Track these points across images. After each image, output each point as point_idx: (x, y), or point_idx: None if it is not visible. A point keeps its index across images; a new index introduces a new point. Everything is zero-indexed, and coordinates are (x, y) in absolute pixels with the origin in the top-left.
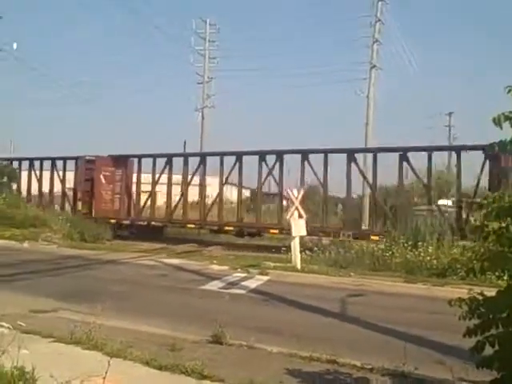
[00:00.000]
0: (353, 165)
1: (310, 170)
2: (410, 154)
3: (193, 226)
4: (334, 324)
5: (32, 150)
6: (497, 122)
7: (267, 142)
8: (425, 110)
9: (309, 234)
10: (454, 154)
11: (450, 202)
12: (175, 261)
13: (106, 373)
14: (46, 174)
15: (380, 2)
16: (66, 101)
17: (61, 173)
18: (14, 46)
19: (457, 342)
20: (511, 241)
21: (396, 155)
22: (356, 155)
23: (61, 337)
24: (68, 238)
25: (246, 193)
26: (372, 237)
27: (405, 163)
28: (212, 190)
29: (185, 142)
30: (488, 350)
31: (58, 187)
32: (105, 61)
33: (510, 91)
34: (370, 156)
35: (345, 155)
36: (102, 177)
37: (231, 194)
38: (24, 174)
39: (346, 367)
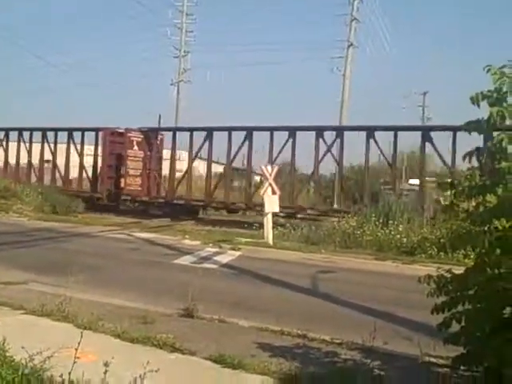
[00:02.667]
0: (321, 143)
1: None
2: (385, 134)
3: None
4: (304, 299)
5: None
6: (475, 100)
7: (244, 118)
8: (402, 89)
9: (281, 210)
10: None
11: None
12: (147, 235)
13: (79, 344)
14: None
15: None
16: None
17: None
18: None
19: (425, 318)
20: (481, 219)
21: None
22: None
23: (32, 309)
24: (39, 211)
25: (221, 169)
26: (343, 215)
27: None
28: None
29: (160, 117)
30: (455, 327)
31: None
32: (79, 32)
33: (488, 70)
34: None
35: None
36: (132, 151)
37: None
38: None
39: (315, 342)
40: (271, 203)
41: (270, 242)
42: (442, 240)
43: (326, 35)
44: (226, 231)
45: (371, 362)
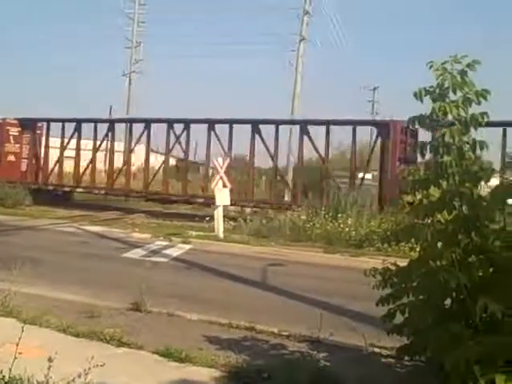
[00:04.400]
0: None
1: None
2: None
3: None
4: (253, 292)
5: None
6: (418, 96)
7: (195, 110)
8: (354, 84)
9: (232, 203)
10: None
11: (369, 176)
12: (96, 228)
13: (19, 339)
14: None
15: None
16: None
17: None
18: None
19: (371, 310)
20: (424, 212)
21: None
22: (282, 127)
23: None
24: None
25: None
26: (294, 208)
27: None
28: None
29: (111, 108)
30: (399, 318)
31: None
32: (26, 17)
33: (431, 67)
34: (295, 128)
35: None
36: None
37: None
38: None
39: (263, 334)
40: (222, 196)
41: (221, 235)
42: (388, 233)
43: (279, 28)
44: (177, 224)
45: (318, 353)
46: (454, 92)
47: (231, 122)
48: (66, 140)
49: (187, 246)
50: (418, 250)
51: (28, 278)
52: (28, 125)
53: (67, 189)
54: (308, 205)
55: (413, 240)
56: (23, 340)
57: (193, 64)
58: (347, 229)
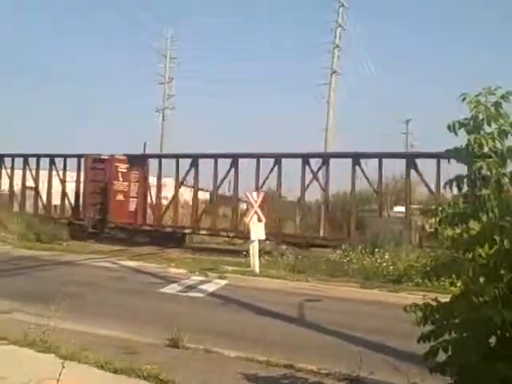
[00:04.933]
0: (307, 169)
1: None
2: (369, 161)
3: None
4: (291, 329)
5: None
6: (452, 129)
7: (227, 145)
8: (386, 116)
9: (267, 238)
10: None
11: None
12: (133, 263)
13: (60, 375)
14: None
15: (341, 8)
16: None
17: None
18: None
19: (411, 347)
20: (465, 247)
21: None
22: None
23: (14, 339)
24: (24, 239)
25: (206, 196)
26: (329, 243)
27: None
28: (168, 192)
29: (145, 144)
30: (441, 356)
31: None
32: (64, 57)
33: (464, 99)
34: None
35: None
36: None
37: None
38: None
39: (302, 372)
40: (257, 231)
41: (257, 270)
42: (427, 268)
43: (309, 63)
44: (213, 259)
45: None
46: (489, 124)
47: (279, 157)
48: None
49: (223, 282)
50: (459, 285)
51: (65, 313)
52: (136, 161)
53: (187, 230)
54: (344, 239)
55: (453, 275)
56: (63, 376)
57: (223, 99)
58: (385, 263)
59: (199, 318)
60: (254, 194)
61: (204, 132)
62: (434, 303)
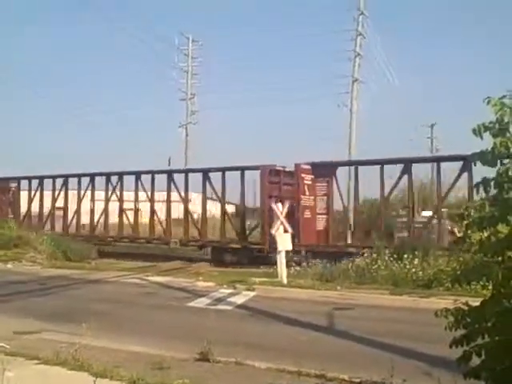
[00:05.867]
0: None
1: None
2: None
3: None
4: (321, 338)
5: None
6: (477, 132)
7: (252, 157)
8: (408, 122)
9: (294, 248)
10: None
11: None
12: (161, 278)
13: None
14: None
15: (361, 16)
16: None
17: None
18: None
19: (444, 353)
20: (494, 250)
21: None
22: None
23: (46, 358)
24: (52, 258)
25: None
26: (357, 250)
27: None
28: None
29: (169, 159)
30: (475, 360)
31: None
32: (87, 76)
33: (488, 102)
34: (352, 169)
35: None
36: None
37: (212, 209)
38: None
39: (334, 381)
40: (284, 241)
41: (285, 280)
42: (458, 273)
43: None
44: (239, 271)
45: None
46: None
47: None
48: None
49: (251, 293)
50: (490, 288)
51: (96, 331)
52: (323, 170)
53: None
54: (372, 246)
55: (484, 278)
56: None
57: (246, 112)
58: (414, 269)
59: (228, 331)
60: (279, 204)
61: (228, 145)
62: (466, 307)
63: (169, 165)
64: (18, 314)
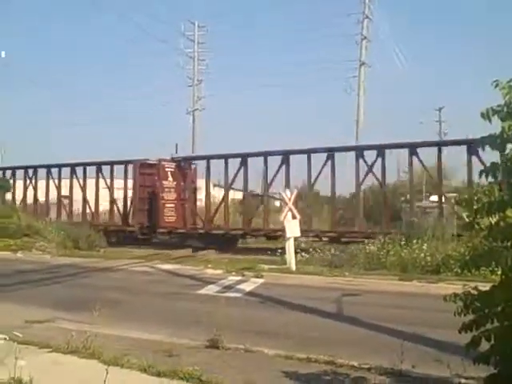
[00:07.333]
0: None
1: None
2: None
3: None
4: (330, 324)
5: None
6: (486, 116)
7: (260, 143)
8: (416, 105)
9: (303, 234)
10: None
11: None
12: (170, 266)
13: (105, 381)
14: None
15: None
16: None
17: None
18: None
19: (453, 338)
20: (503, 235)
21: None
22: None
23: (57, 346)
24: (62, 247)
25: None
26: (365, 236)
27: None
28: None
29: (176, 146)
30: (484, 345)
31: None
32: (93, 64)
33: (497, 85)
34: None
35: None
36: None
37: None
38: (19, 183)
39: (343, 367)
40: (292, 228)
41: (293, 267)
42: (466, 258)
43: (338, 55)
44: (248, 258)
45: None
46: None
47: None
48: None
49: (260, 280)
50: (499, 273)
51: (106, 319)
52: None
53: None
54: (380, 231)
55: (493, 264)
56: (107, 381)
57: (253, 96)
58: (422, 254)
59: (237, 318)
60: (287, 191)
61: (235, 130)
62: (475, 292)
63: (176, 152)
64: (29, 303)
